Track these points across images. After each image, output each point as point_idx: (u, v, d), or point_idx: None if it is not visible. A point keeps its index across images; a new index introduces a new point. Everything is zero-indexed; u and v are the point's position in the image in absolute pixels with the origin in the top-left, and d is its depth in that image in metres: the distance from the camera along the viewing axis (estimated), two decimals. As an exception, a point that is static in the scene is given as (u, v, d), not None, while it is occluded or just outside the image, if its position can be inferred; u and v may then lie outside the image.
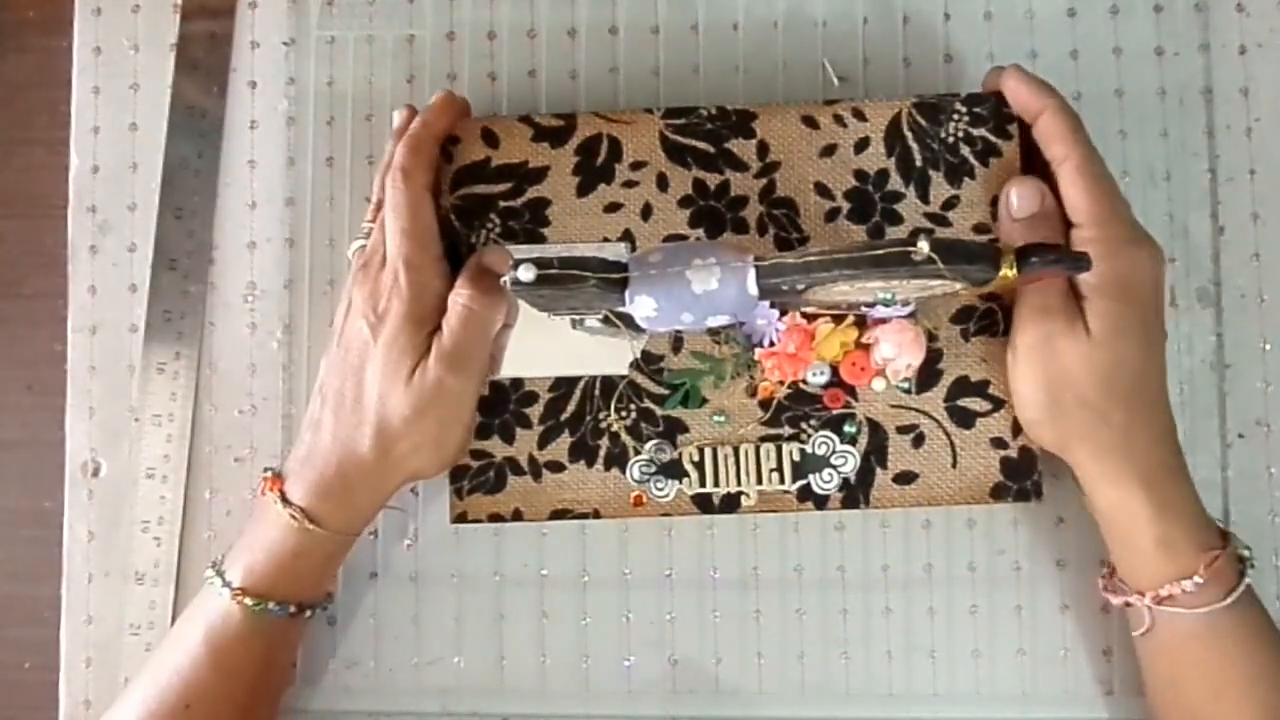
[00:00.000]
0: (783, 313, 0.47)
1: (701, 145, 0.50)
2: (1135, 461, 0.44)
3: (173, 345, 0.53)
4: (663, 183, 0.49)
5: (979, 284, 0.43)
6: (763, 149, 0.49)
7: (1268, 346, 0.52)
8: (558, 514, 0.49)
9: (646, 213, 0.49)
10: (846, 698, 0.51)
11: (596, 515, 0.49)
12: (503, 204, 0.49)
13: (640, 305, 0.43)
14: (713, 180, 0.49)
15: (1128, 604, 0.46)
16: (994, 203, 0.48)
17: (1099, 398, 0.44)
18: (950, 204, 0.48)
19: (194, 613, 0.47)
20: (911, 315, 0.47)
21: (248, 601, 0.45)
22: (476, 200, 0.49)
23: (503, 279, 0.42)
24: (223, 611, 0.46)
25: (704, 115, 0.49)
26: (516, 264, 0.41)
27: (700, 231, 0.49)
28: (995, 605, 0.51)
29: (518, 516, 0.49)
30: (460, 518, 0.49)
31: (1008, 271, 0.41)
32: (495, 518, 0.49)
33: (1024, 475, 0.48)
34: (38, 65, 0.56)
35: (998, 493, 0.48)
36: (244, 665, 0.46)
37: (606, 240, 0.49)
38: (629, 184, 0.50)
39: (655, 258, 0.44)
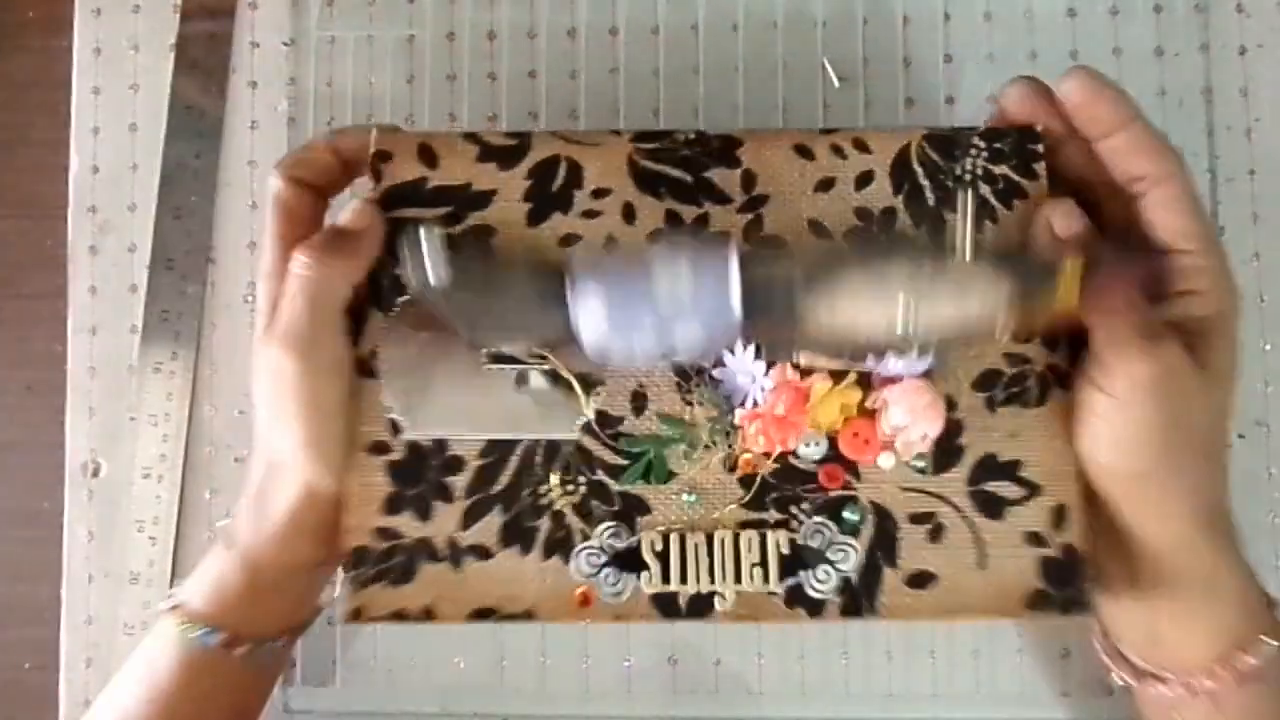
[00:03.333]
0: (770, 365, 0.40)
1: (676, 173, 0.42)
2: (1225, 518, 0.40)
3: (170, 345, 0.53)
4: (629, 214, 0.42)
5: (1031, 296, 0.36)
6: (748, 180, 0.42)
7: (1268, 347, 0.52)
8: (481, 614, 0.39)
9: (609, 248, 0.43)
10: (846, 698, 0.51)
11: (529, 617, 0.39)
12: (438, 230, 0.41)
13: (586, 308, 0.36)
14: (689, 213, 0.42)
15: (1187, 687, 0.40)
16: (1023, 248, 0.42)
17: (1210, 446, 0.39)
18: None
19: (151, 646, 0.43)
20: (928, 374, 0.40)
21: (185, 628, 0.41)
22: (407, 223, 0.41)
23: (405, 254, 0.35)
24: (181, 644, 0.42)
25: (680, 140, 0.42)
26: (415, 225, 0.34)
27: None
28: (995, 605, 0.51)
29: (428, 616, 0.39)
30: (355, 615, 0.39)
31: (1070, 278, 0.35)
32: (399, 616, 0.39)
33: (1069, 581, 0.39)
34: (38, 65, 0.56)
35: (1036, 603, 0.39)
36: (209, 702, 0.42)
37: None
38: (589, 214, 0.42)
39: (606, 257, 0.38)
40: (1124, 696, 0.49)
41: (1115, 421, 0.38)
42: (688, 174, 0.43)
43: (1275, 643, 0.39)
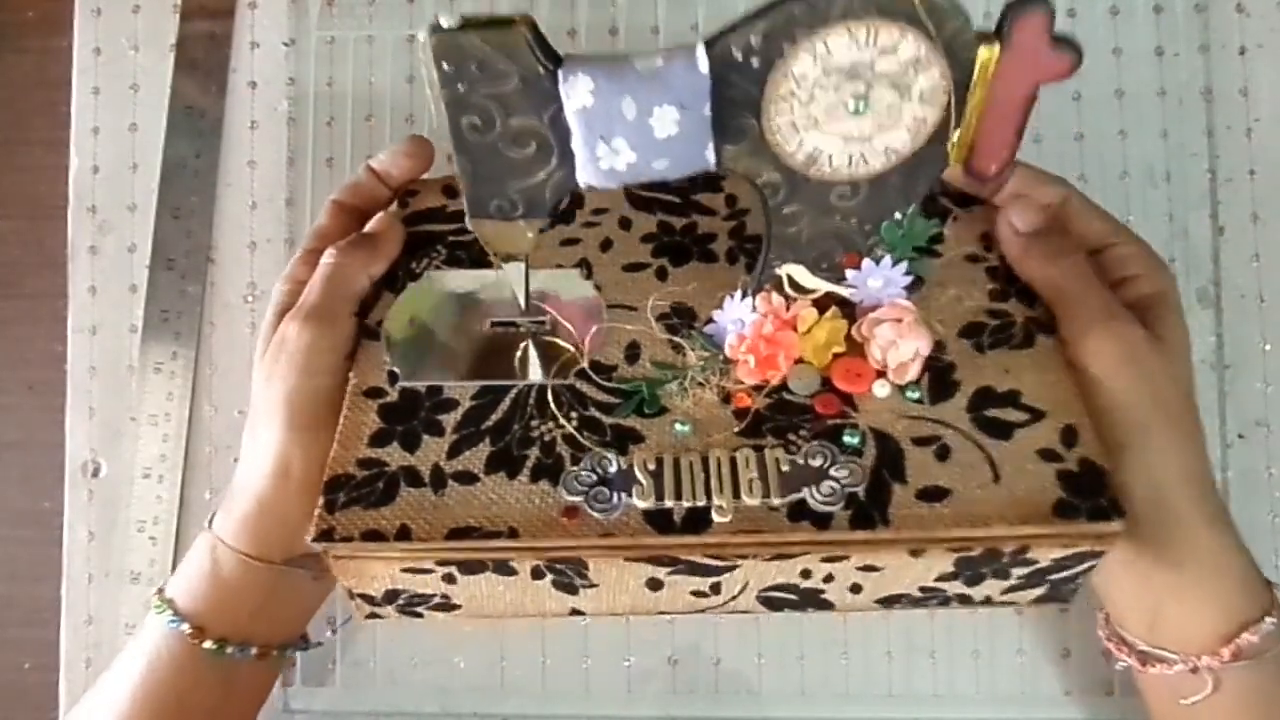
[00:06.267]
0: (756, 292, 0.41)
1: (667, 196, 0.48)
2: (1213, 492, 0.40)
3: (170, 345, 0.53)
4: (625, 224, 0.47)
5: (957, 53, 0.35)
6: (731, 200, 0.48)
7: (1268, 347, 0.52)
8: (459, 532, 0.37)
9: (606, 245, 0.46)
10: (846, 698, 0.51)
11: (512, 534, 0.37)
12: (452, 238, 0.47)
13: (575, 88, 0.35)
14: (679, 222, 0.47)
15: (1194, 669, 0.40)
16: (984, 238, 0.45)
17: (1185, 417, 0.40)
18: (936, 239, 0.43)
19: (141, 645, 0.43)
20: (906, 292, 0.41)
21: (158, 609, 0.42)
22: (425, 235, 0.47)
23: (422, 32, 0.35)
24: (171, 646, 0.42)
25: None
26: (437, 16, 0.35)
27: (665, 260, 0.45)
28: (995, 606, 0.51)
29: (404, 535, 0.37)
30: (324, 535, 0.37)
31: (990, 49, 0.35)
32: (372, 535, 0.37)
33: (1093, 491, 0.37)
34: (38, 65, 0.56)
35: (1063, 510, 0.36)
36: (196, 707, 0.43)
37: (560, 266, 0.45)
38: (589, 224, 0.47)
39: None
40: (1124, 697, 0.50)
41: (1090, 398, 0.40)
42: (677, 197, 0.48)
43: (1275, 621, 0.40)
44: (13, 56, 0.57)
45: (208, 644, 0.42)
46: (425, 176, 0.48)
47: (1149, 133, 0.52)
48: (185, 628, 0.42)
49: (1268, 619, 0.39)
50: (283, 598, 0.43)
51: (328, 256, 0.44)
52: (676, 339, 0.42)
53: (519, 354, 0.43)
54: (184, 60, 0.55)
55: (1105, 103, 0.53)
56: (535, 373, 0.42)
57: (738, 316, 0.41)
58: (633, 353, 0.42)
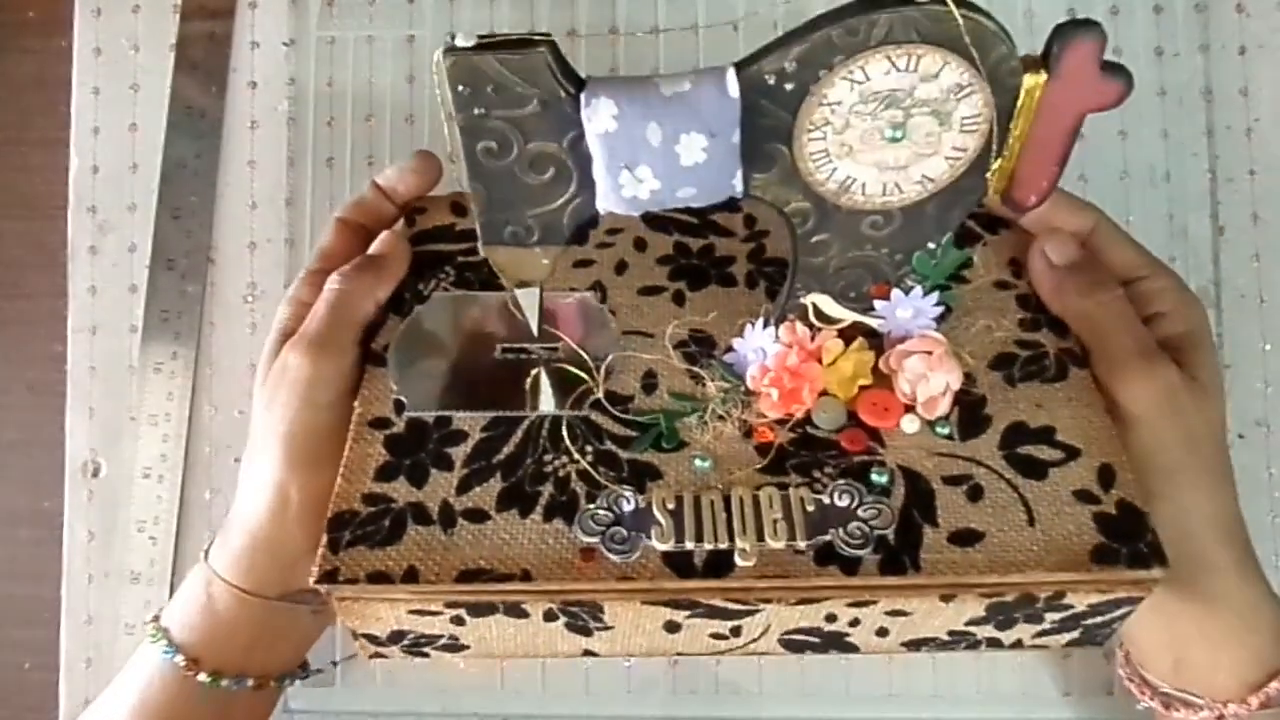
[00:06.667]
0: (779, 322, 0.40)
1: (684, 216, 0.46)
2: (1245, 540, 0.40)
3: (170, 345, 0.53)
4: (640, 245, 0.45)
5: (1001, 81, 0.33)
6: (750, 220, 0.46)
7: (1268, 347, 0.52)
8: (469, 575, 0.35)
9: (621, 268, 0.45)
10: (846, 698, 0.51)
11: (526, 577, 0.35)
12: (460, 259, 0.45)
13: (597, 112, 0.33)
14: (695, 244, 0.45)
15: (1220, 716, 0.40)
16: (1013, 263, 0.44)
17: (1218, 462, 0.40)
18: (964, 265, 0.42)
19: (135, 673, 0.42)
20: (936, 324, 0.40)
21: (154, 638, 0.41)
22: (432, 256, 0.45)
23: (437, 53, 0.34)
24: (166, 676, 0.41)
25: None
26: (452, 37, 0.33)
27: (682, 284, 0.44)
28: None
29: (411, 577, 0.35)
30: (328, 576, 0.35)
31: (1035, 76, 0.33)
32: (378, 577, 0.35)
33: (1133, 536, 0.35)
34: (38, 65, 0.56)
35: (1102, 557, 0.35)
36: None
37: (574, 289, 0.44)
38: (603, 245, 0.45)
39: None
40: (1124, 697, 0.49)
41: (1122, 437, 0.39)
42: (695, 217, 0.46)
43: None
44: (13, 56, 0.57)
45: (202, 676, 0.41)
46: (432, 193, 0.47)
47: (1149, 133, 0.52)
48: (180, 659, 0.41)
49: None
50: (280, 632, 0.43)
51: (332, 282, 0.43)
52: (695, 369, 0.41)
53: (530, 382, 0.41)
54: (184, 60, 0.55)
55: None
56: (547, 402, 0.40)
57: (759, 345, 0.40)
58: (650, 382, 0.40)
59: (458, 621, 0.37)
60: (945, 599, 0.36)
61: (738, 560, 0.35)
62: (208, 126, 0.54)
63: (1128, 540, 0.35)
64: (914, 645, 0.40)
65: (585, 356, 0.41)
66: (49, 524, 0.53)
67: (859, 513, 0.36)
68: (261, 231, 0.54)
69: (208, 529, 0.52)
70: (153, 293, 0.53)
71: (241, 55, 0.55)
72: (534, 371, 0.42)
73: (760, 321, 0.40)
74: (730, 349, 0.41)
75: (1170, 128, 0.53)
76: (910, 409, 0.39)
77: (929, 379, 0.38)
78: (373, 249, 0.45)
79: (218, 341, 0.53)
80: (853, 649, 0.40)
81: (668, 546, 0.35)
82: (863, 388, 0.39)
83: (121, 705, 0.41)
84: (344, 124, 0.54)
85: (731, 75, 0.33)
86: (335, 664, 0.50)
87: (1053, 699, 0.50)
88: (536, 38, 0.33)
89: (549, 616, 0.37)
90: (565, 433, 0.39)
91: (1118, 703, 0.50)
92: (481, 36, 0.33)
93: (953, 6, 0.32)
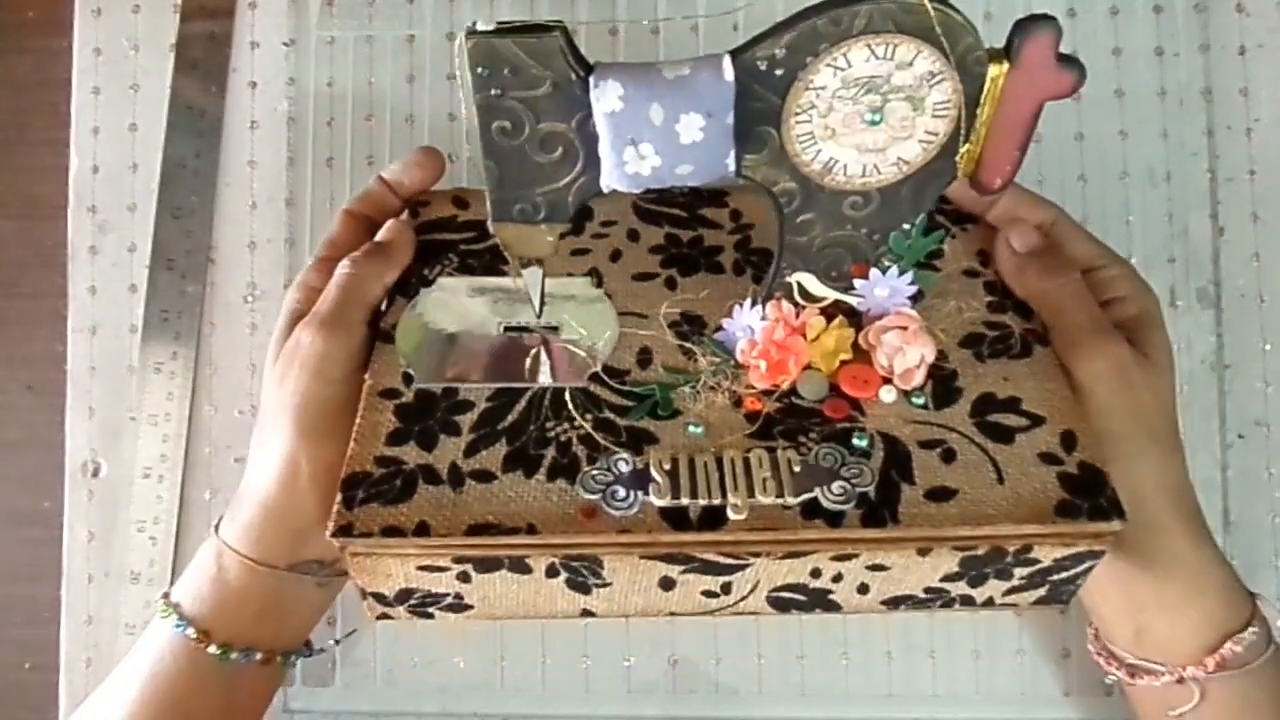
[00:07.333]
0: (766, 300, 0.42)
1: (674, 211, 0.49)
2: (1194, 506, 0.42)
3: (170, 345, 0.53)
4: (633, 235, 0.48)
5: (969, 69, 0.36)
6: (736, 215, 0.49)
7: (1268, 346, 0.52)
8: (478, 529, 0.37)
9: (615, 256, 0.47)
10: (846, 698, 0.51)
11: (531, 530, 0.37)
12: (464, 247, 0.48)
13: (605, 93, 0.36)
14: (685, 235, 0.48)
15: (1180, 680, 0.42)
16: (980, 254, 0.47)
17: (1167, 432, 0.42)
18: (935, 254, 0.44)
19: (145, 650, 0.43)
20: (911, 302, 0.42)
21: (164, 613, 0.42)
22: (437, 244, 0.48)
23: (459, 35, 0.36)
24: (176, 650, 0.42)
25: (676, 190, 0.48)
26: (474, 23, 0.36)
27: (674, 271, 0.46)
28: (995, 605, 0.51)
29: (422, 531, 0.37)
30: (343, 530, 0.37)
31: (999, 66, 0.36)
32: (391, 531, 0.37)
33: (1094, 491, 0.38)
34: (38, 65, 0.56)
35: (1066, 510, 0.38)
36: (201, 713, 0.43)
37: (571, 275, 0.46)
38: (598, 236, 0.48)
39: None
40: (1124, 697, 0.50)
41: (1084, 408, 0.41)
42: (684, 211, 0.49)
43: (1258, 631, 0.41)
44: (13, 56, 0.57)
45: (212, 649, 0.42)
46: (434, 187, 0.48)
47: (1149, 133, 0.52)
48: (190, 632, 0.42)
49: (1250, 629, 0.41)
50: (287, 603, 0.43)
51: (343, 266, 0.44)
52: (688, 345, 0.43)
53: (530, 359, 0.43)
54: (184, 60, 0.55)
55: (1105, 103, 0.53)
56: (548, 378, 0.42)
57: (747, 324, 0.42)
58: (644, 358, 0.43)
59: (463, 578, 0.39)
60: (922, 553, 0.38)
61: (730, 514, 0.38)
62: (208, 126, 0.54)
63: (1088, 496, 0.38)
64: (893, 603, 0.42)
65: (581, 330, 0.44)
66: (49, 524, 0.53)
67: (842, 472, 0.39)
68: (261, 231, 0.54)
69: (208, 529, 0.52)
70: (153, 293, 0.53)
71: (241, 55, 0.55)
72: (534, 349, 0.44)
73: (749, 301, 0.42)
74: (720, 328, 0.43)
75: (1170, 128, 0.53)
76: (888, 380, 0.41)
77: (905, 352, 0.41)
78: (380, 235, 0.46)
79: (218, 341, 0.53)
80: (836, 607, 0.42)
81: (664, 502, 0.38)
82: (843, 362, 0.42)
83: (132, 682, 0.42)
84: (344, 124, 0.54)
85: (727, 60, 0.36)
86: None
87: (1053, 699, 0.50)
88: (550, 23, 0.36)
89: (551, 572, 0.39)
90: (568, 399, 0.41)
91: (1117, 702, 0.50)
92: (501, 23, 0.36)
93: (927, 3, 0.35)
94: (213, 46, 0.55)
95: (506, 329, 0.44)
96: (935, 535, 0.38)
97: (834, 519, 0.37)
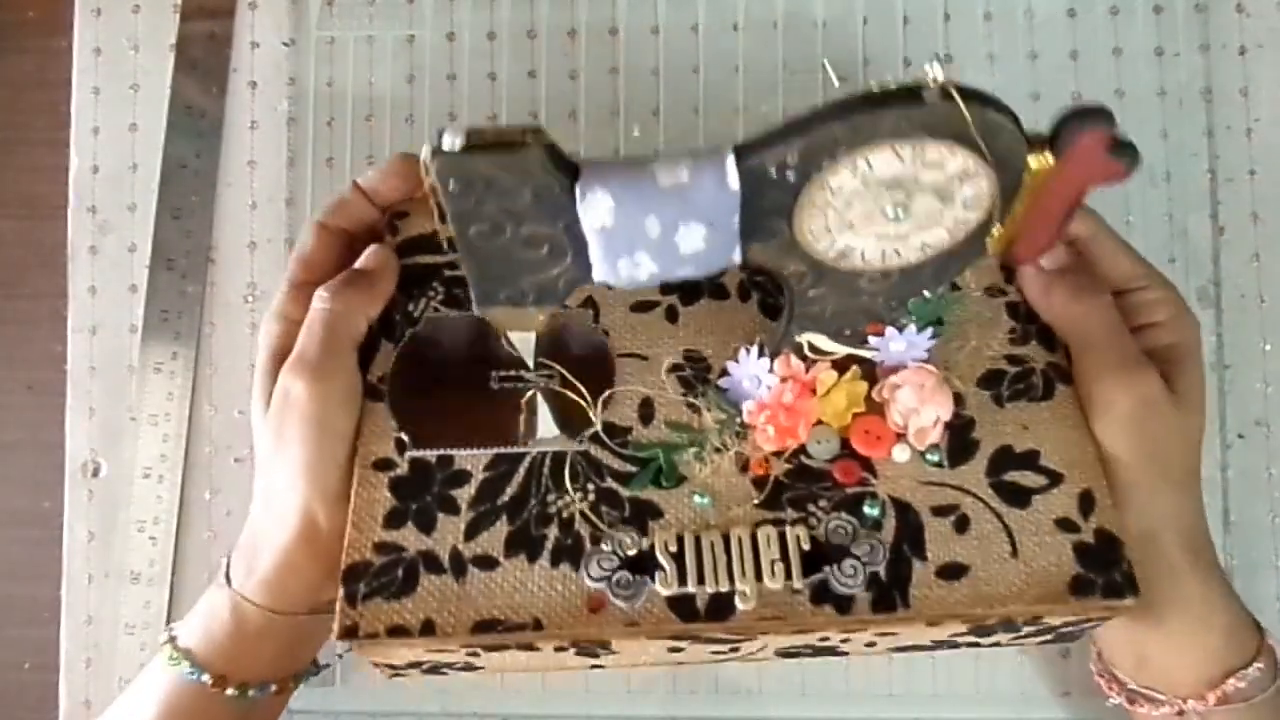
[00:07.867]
0: (774, 356, 0.40)
1: None
2: (1205, 543, 0.41)
3: (170, 345, 0.53)
4: None
5: (1007, 165, 0.33)
6: None
7: (1268, 347, 0.52)
8: (484, 625, 0.37)
9: None
10: (846, 698, 0.51)
11: (538, 627, 0.37)
12: (448, 273, 0.44)
13: (594, 206, 0.33)
14: None
15: (1180, 712, 0.41)
16: (1003, 268, 0.44)
17: (1185, 474, 0.40)
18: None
19: (151, 692, 0.42)
20: (928, 355, 0.40)
21: (174, 661, 0.41)
22: (420, 270, 0.44)
23: (422, 152, 0.33)
24: (189, 693, 0.41)
25: None
26: (440, 132, 0.32)
27: (674, 298, 0.43)
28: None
29: (428, 630, 0.37)
30: (349, 632, 0.37)
31: (1041, 157, 0.33)
32: (397, 631, 0.37)
33: (1109, 565, 0.37)
34: (38, 65, 0.56)
35: (1079, 588, 0.37)
36: None
37: (566, 307, 0.43)
38: None
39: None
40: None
41: (1097, 441, 0.40)
42: None
43: (1262, 667, 0.40)
44: (13, 56, 0.57)
45: (230, 691, 0.41)
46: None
47: (1149, 133, 0.52)
48: (206, 678, 0.41)
49: (1254, 665, 0.40)
50: (304, 639, 0.43)
51: (320, 301, 0.41)
52: (692, 399, 0.41)
53: (526, 418, 0.41)
54: (184, 60, 0.55)
55: (1105, 102, 0.52)
56: (546, 427, 0.41)
57: (754, 373, 0.40)
58: (646, 412, 0.41)
59: (473, 654, 0.39)
60: (931, 624, 0.38)
61: (738, 604, 0.37)
62: (208, 126, 0.54)
63: (1103, 570, 0.37)
64: (901, 649, 0.42)
65: (579, 387, 0.41)
66: (49, 524, 0.53)
67: (853, 549, 0.38)
68: (261, 231, 0.54)
69: (208, 529, 0.52)
70: (153, 293, 0.53)
71: (241, 55, 0.55)
72: (529, 396, 0.42)
73: (755, 350, 0.40)
74: (725, 373, 0.41)
75: (1170, 128, 0.53)
76: (902, 437, 0.40)
77: (920, 412, 0.39)
78: (361, 263, 0.43)
79: (218, 341, 0.53)
80: (843, 654, 0.42)
81: (671, 591, 0.37)
82: (856, 415, 0.40)
83: None
84: (344, 124, 0.54)
85: (731, 167, 0.33)
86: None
87: (1052, 699, 0.50)
88: (527, 132, 0.33)
89: (559, 649, 0.39)
90: (567, 472, 0.40)
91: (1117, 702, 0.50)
92: (470, 134, 0.33)
93: (962, 105, 0.31)
94: (213, 46, 0.55)
95: (500, 380, 0.42)
96: (944, 615, 0.37)
97: (843, 604, 0.37)
